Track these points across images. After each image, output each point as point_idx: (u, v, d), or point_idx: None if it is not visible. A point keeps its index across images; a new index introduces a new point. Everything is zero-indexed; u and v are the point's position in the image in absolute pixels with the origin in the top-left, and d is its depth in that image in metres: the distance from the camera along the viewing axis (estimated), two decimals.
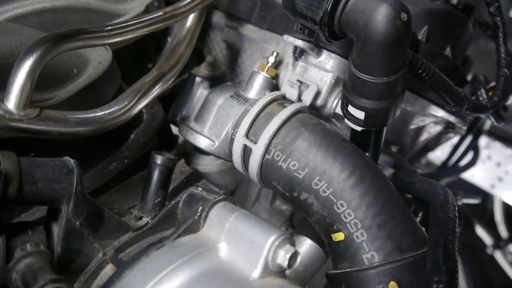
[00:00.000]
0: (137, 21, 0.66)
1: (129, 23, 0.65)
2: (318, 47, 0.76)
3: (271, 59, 0.80)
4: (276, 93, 0.74)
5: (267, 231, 0.52)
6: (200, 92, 0.88)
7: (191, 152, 0.97)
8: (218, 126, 0.78)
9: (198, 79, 0.89)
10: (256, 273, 0.50)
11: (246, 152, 0.70)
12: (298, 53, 0.75)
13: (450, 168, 1.26)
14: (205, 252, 0.53)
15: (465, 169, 1.25)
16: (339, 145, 0.64)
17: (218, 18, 1.07)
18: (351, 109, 0.67)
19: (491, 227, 1.72)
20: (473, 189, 1.57)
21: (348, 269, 0.59)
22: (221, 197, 0.60)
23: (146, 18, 0.67)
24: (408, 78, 0.71)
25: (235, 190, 1.04)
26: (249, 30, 1.01)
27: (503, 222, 1.72)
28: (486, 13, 0.92)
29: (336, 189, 0.61)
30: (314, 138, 0.65)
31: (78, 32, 0.58)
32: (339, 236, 0.61)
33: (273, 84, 0.80)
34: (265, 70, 0.79)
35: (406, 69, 0.61)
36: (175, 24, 0.86)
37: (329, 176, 0.61)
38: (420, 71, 0.67)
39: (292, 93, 0.74)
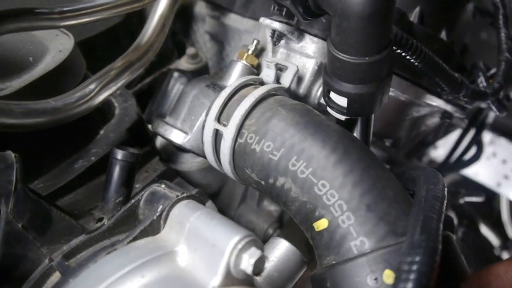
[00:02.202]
0: (93, 4, 0.60)
1: (84, 6, 0.59)
2: (298, 31, 0.69)
3: (251, 47, 0.74)
4: (252, 77, 0.67)
5: (230, 233, 0.45)
6: (178, 87, 0.82)
7: (168, 149, 0.91)
8: (191, 116, 0.71)
9: (175, 74, 0.84)
10: (216, 281, 0.44)
11: (218, 139, 0.62)
12: (276, 37, 0.69)
13: (452, 164, 1.18)
14: (160, 257, 0.46)
15: (468, 164, 1.17)
16: (320, 122, 0.57)
17: (200, 8, 1.01)
18: (333, 95, 0.60)
19: (498, 228, 1.63)
20: (479, 188, 1.49)
21: (334, 262, 0.49)
22: (184, 194, 0.53)
23: (105, 1, 0.61)
24: (399, 63, 0.64)
25: (220, 190, 0.98)
26: (232, 20, 0.95)
27: (510, 222, 1.63)
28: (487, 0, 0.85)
29: (316, 168, 0.52)
30: (292, 116, 0.57)
31: (22, 12, 0.52)
32: (322, 224, 0.51)
33: (254, 73, 0.74)
34: (244, 58, 0.73)
35: (391, 48, 0.54)
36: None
37: (308, 155, 0.53)
38: (410, 52, 0.60)
39: (269, 75, 0.67)
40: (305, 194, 0.52)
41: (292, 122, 0.56)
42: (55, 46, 0.67)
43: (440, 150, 1.58)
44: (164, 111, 0.81)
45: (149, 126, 0.97)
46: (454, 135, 1.27)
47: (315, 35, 0.69)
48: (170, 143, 0.92)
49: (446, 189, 0.52)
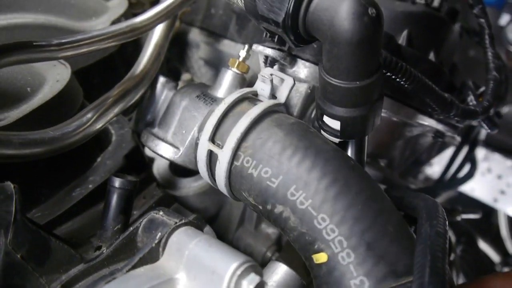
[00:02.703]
0: (90, 35, 0.61)
1: (81, 37, 0.60)
2: (291, 56, 0.71)
3: (242, 53, 0.72)
4: (246, 90, 0.64)
5: (228, 259, 0.46)
6: (166, 94, 0.77)
7: (165, 174, 0.91)
8: (182, 130, 0.69)
9: (162, 79, 0.78)
10: None
11: (212, 159, 0.61)
12: (269, 63, 0.70)
13: (447, 182, 1.19)
14: (160, 284, 0.47)
15: (462, 182, 1.18)
16: (319, 147, 0.55)
17: (194, 35, 1.03)
18: (326, 119, 0.61)
19: (498, 243, 1.63)
20: (477, 205, 1.49)
21: None
22: (183, 221, 0.54)
23: (101, 32, 0.63)
24: (390, 85, 0.66)
25: (218, 213, 0.98)
26: (225, 45, 0.97)
27: (510, 237, 1.63)
28: (473, 20, 0.88)
29: (316, 200, 0.51)
30: (290, 140, 0.55)
31: (21, 45, 0.53)
32: (321, 258, 0.51)
33: (245, 80, 0.72)
34: (235, 65, 0.70)
35: (381, 72, 0.56)
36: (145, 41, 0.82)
37: (307, 184, 0.52)
38: (400, 74, 0.61)
39: (264, 89, 0.64)
40: (304, 225, 0.52)
41: (290, 147, 0.55)
42: (53, 76, 0.69)
43: (435, 167, 1.59)
44: (152, 119, 0.77)
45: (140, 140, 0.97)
46: (449, 152, 1.29)
47: (307, 60, 0.71)
48: (167, 168, 0.93)
49: (447, 222, 0.53)
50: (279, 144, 0.55)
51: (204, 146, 0.60)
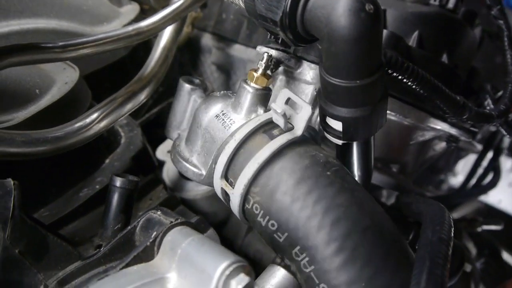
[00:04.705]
0: (95, 38, 0.62)
1: (86, 40, 0.61)
2: (296, 58, 0.70)
3: (262, 64, 0.64)
4: (261, 119, 0.59)
5: (218, 258, 0.45)
6: (193, 103, 0.72)
7: (174, 177, 0.92)
8: (204, 153, 0.65)
9: (187, 87, 0.73)
10: None
11: (227, 196, 0.58)
12: (274, 65, 0.69)
13: (468, 191, 1.14)
14: (151, 283, 0.46)
15: (484, 191, 1.13)
16: (331, 201, 0.49)
17: (206, 40, 1.04)
18: (328, 120, 0.60)
19: None
20: (498, 216, 1.43)
21: None
22: (178, 220, 0.53)
23: (107, 35, 0.64)
24: (399, 87, 0.64)
25: (227, 219, 0.97)
26: (237, 50, 0.97)
27: None
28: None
29: (319, 268, 0.48)
30: (300, 191, 0.50)
31: (25, 47, 0.55)
32: None
33: (268, 95, 0.65)
34: (254, 80, 0.63)
35: (383, 70, 0.54)
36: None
37: (312, 247, 0.48)
38: (406, 75, 0.60)
39: (278, 120, 0.57)
40: (308, 287, 0.50)
41: (300, 199, 0.50)
42: (62, 78, 0.70)
43: (459, 177, 1.53)
44: (182, 128, 0.74)
45: (160, 151, 0.96)
46: (471, 160, 1.24)
47: (312, 61, 0.70)
48: (176, 171, 0.93)
49: (452, 228, 0.51)
50: (287, 197, 0.51)
51: (218, 183, 0.58)
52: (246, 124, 0.58)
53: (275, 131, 0.56)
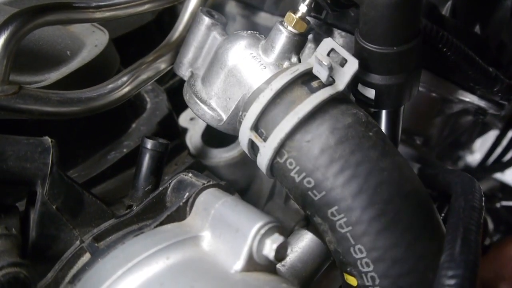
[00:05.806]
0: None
1: (118, 1, 0.61)
2: (326, 25, 0.69)
3: (303, 8, 0.57)
4: (300, 69, 0.52)
5: (253, 218, 0.46)
6: (213, 38, 0.66)
7: (197, 144, 0.92)
8: (226, 97, 0.60)
9: (208, 21, 0.66)
10: (238, 265, 0.44)
11: (254, 148, 0.54)
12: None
13: (489, 166, 1.14)
14: (185, 240, 0.47)
15: (505, 167, 1.12)
16: (373, 164, 0.48)
17: (231, 7, 1.03)
18: (360, 87, 0.59)
19: None
20: None
21: None
22: (210, 182, 0.54)
23: None
24: (430, 58, 0.63)
25: (248, 187, 0.99)
26: (262, 18, 0.96)
27: None
28: None
29: (356, 229, 0.47)
30: (341, 151, 0.48)
31: (60, 6, 0.55)
32: (351, 280, 0.50)
33: (304, 42, 0.60)
34: (293, 23, 0.57)
35: (420, 38, 0.53)
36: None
37: (350, 210, 0.47)
38: (441, 44, 0.59)
39: (320, 72, 0.52)
40: (340, 246, 0.49)
41: (339, 161, 0.48)
42: (91, 41, 0.71)
43: (476, 155, 1.52)
44: (197, 66, 0.67)
45: (182, 118, 0.97)
46: (492, 136, 1.23)
47: (343, 29, 0.69)
48: (199, 138, 0.94)
49: (483, 198, 0.51)
50: (326, 155, 0.48)
51: (246, 133, 0.53)
52: (284, 73, 0.53)
53: (314, 83, 0.52)
